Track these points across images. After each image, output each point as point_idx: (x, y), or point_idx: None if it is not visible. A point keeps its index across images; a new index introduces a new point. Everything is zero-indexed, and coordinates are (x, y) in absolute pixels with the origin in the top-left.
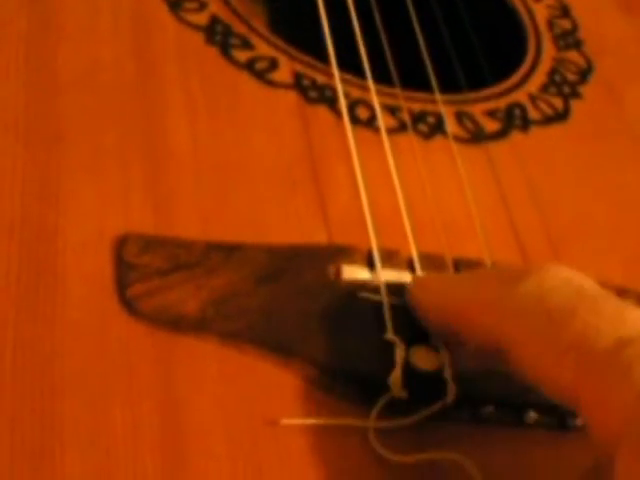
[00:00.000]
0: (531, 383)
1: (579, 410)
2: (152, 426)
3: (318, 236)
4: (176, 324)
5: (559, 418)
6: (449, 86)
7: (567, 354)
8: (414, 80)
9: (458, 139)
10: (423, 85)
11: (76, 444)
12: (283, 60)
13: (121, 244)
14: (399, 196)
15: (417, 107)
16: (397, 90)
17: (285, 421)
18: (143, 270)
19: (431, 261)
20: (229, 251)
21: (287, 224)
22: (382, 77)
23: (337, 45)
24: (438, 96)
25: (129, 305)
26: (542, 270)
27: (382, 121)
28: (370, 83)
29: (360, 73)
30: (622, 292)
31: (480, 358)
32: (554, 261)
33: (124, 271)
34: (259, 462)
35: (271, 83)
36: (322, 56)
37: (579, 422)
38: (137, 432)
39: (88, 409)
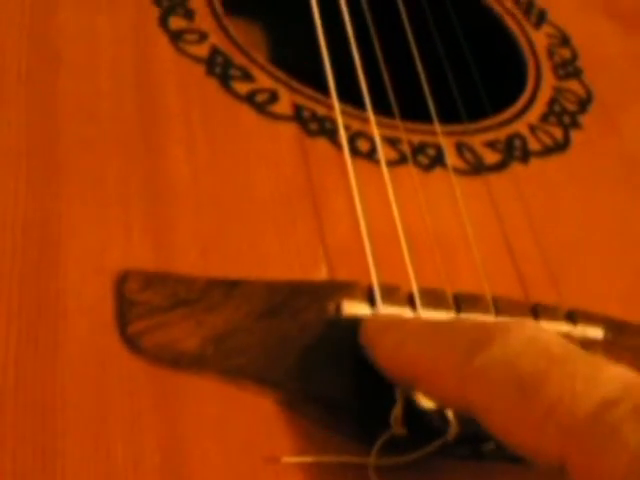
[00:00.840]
0: (509, 447)
1: (566, 475)
2: (153, 463)
3: (318, 270)
4: (177, 361)
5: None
6: (449, 117)
7: (547, 422)
8: (414, 111)
9: (458, 171)
10: (423, 116)
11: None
12: (283, 92)
13: (122, 281)
14: (399, 229)
15: (417, 139)
16: (397, 122)
17: (286, 459)
18: (144, 307)
19: (431, 296)
20: (229, 287)
21: (287, 258)
22: (382, 108)
23: (337, 76)
24: (438, 127)
25: (130, 342)
26: (505, 332)
27: (382, 153)
28: (370, 115)
29: (361, 104)
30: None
31: None
32: (517, 319)
33: (125, 308)
34: None
35: (271, 115)
36: (323, 87)
37: None
38: (138, 469)
39: (89, 446)
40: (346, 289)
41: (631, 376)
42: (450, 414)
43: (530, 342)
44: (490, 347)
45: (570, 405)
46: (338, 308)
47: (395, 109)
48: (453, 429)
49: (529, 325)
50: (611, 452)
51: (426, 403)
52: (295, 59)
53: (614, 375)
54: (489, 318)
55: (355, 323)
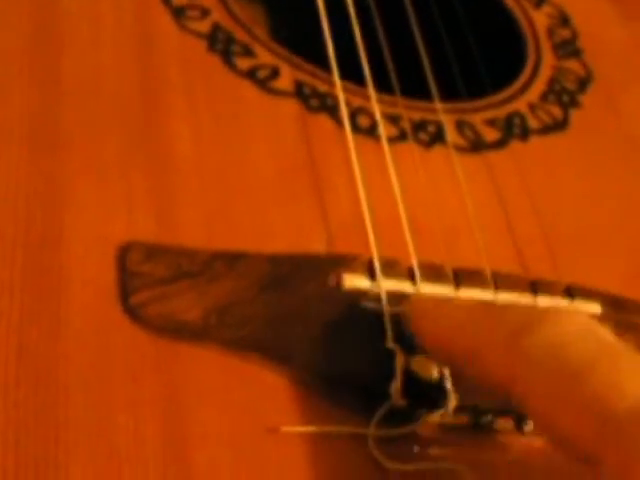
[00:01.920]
0: (546, 433)
1: (599, 467)
2: (155, 433)
3: (319, 244)
4: (179, 332)
5: None
6: (450, 94)
7: (587, 412)
8: (415, 88)
9: (458, 148)
10: (424, 93)
11: (80, 451)
12: (284, 68)
13: (124, 252)
14: (400, 205)
15: (418, 116)
16: (398, 98)
17: (285, 429)
18: (146, 278)
19: (431, 270)
20: (231, 260)
21: (289, 232)
22: (383, 85)
23: (338, 53)
24: (438, 105)
25: (132, 313)
26: (559, 316)
27: (383, 130)
28: (371, 91)
29: (361, 81)
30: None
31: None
32: (571, 307)
33: (127, 279)
34: (261, 469)
35: (272, 91)
36: (324, 63)
37: None
38: (140, 438)
39: (91, 415)
40: (347, 262)
41: None
42: (449, 385)
43: (581, 330)
44: (540, 329)
45: (614, 398)
46: (339, 281)
47: (396, 86)
48: (452, 400)
49: (582, 314)
50: None
51: (425, 374)
52: (297, 36)
53: None
54: (488, 293)
55: (355, 295)
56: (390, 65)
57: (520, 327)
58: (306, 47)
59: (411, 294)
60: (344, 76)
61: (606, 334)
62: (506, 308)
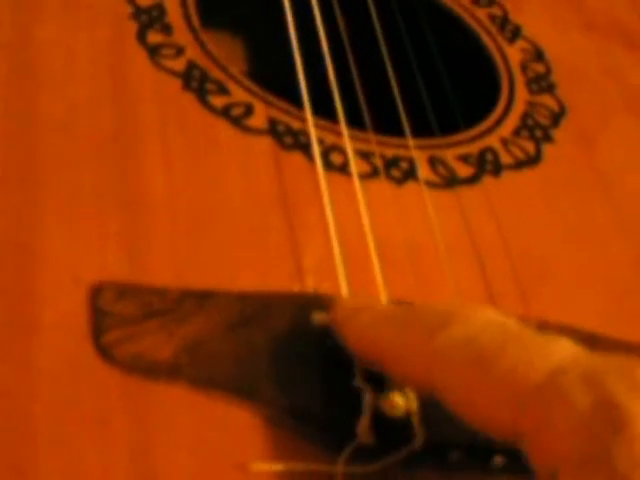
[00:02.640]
0: (470, 425)
1: (522, 445)
2: (124, 474)
3: (290, 282)
4: (150, 371)
5: (524, 462)
6: (423, 131)
7: (501, 391)
8: (390, 124)
9: (431, 184)
10: (398, 130)
11: None
12: (259, 106)
13: (96, 292)
14: (370, 242)
15: (391, 152)
16: (371, 135)
17: (254, 466)
18: (117, 317)
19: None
20: (202, 298)
21: (260, 270)
22: (358, 123)
23: (314, 90)
24: (411, 141)
25: (103, 352)
26: (466, 312)
27: (355, 167)
28: (343, 129)
29: (336, 118)
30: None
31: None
32: (478, 303)
33: (99, 319)
34: None
35: (246, 129)
36: (300, 101)
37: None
38: (109, 478)
39: (62, 456)
40: (317, 301)
41: (579, 349)
42: (416, 422)
43: (488, 322)
44: (450, 327)
45: (524, 374)
46: (308, 319)
47: (368, 123)
48: (419, 437)
49: (489, 309)
50: (561, 414)
51: (392, 412)
52: (274, 73)
53: (564, 347)
54: None
55: (325, 333)
56: (363, 102)
57: (432, 327)
58: (283, 84)
59: (335, 300)
60: (321, 113)
61: (513, 322)
62: (420, 310)
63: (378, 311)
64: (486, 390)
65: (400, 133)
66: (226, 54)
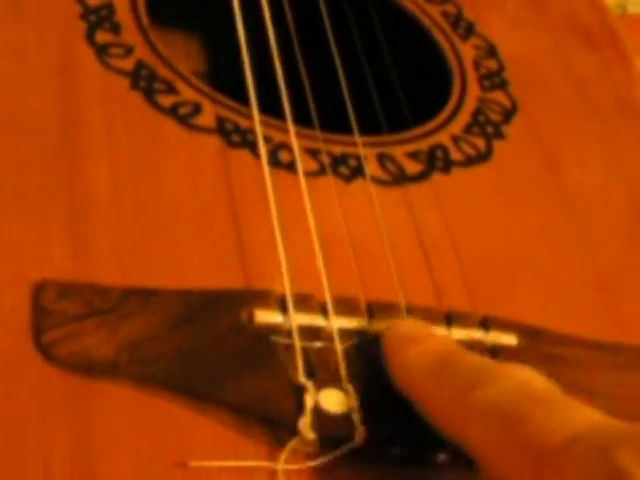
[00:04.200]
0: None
1: None
2: (64, 471)
3: (234, 280)
4: (91, 369)
5: (467, 457)
6: (375, 129)
7: (526, 455)
8: (339, 122)
9: (379, 181)
10: (348, 127)
11: None
12: (207, 104)
13: (38, 290)
14: (315, 240)
15: (339, 150)
16: (320, 133)
17: (194, 463)
18: (59, 316)
19: (344, 304)
20: (145, 296)
21: (204, 268)
22: (309, 121)
23: (265, 89)
24: (359, 138)
25: (45, 351)
26: (503, 372)
27: (302, 164)
28: (290, 126)
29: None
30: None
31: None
32: (516, 363)
33: (40, 317)
34: None
35: (194, 127)
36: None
37: None
38: (49, 477)
39: (2, 453)
40: (259, 298)
41: (602, 416)
42: (357, 419)
43: (521, 383)
44: (486, 385)
45: (545, 438)
46: (251, 316)
47: (316, 120)
48: (360, 434)
49: (526, 370)
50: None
51: (333, 409)
52: (228, 72)
53: (586, 414)
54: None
55: (267, 330)
56: (311, 100)
57: (470, 383)
58: (237, 83)
59: (389, 324)
60: (271, 112)
61: (541, 385)
62: (461, 361)
63: (425, 349)
64: (511, 450)
65: (351, 131)
66: (182, 53)
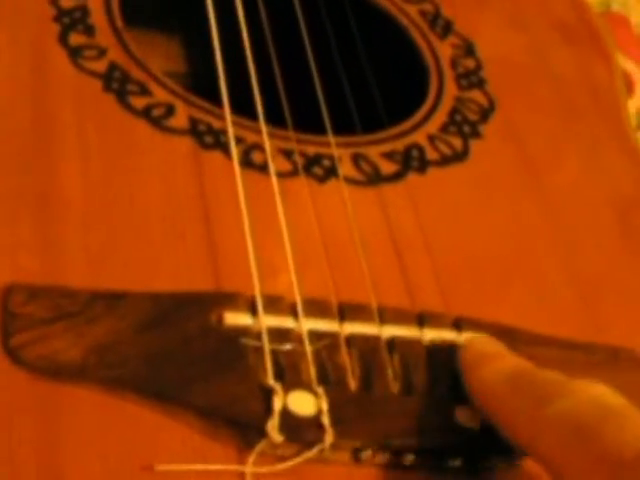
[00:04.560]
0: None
1: None
2: (31, 474)
3: (205, 282)
4: (58, 372)
5: (435, 460)
6: (350, 129)
7: (599, 468)
8: (313, 122)
9: (354, 182)
10: (322, 127)
11: None
12: (180, 106)
13: (6, 294)
14: (286, 241)
15: (313, 150)
16: (292, 133)
17: (160, 467)
18: (27, 319)
19: (315, 306)
20: (113, 300)
21: (175, 270)
22: (281, 120)
23: (238, 89)
24: (333, 139)
25: (12, 354)
26: (577, 387)
27: (275, 165)
28: (262, 126)
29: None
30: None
31: None
32: (589, 378)
33: (8, 321)
34: None
35: (167, 129)
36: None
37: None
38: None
39: None
40: (229, 300)
41: None
42: (326, 421)
43: (594, 397)
44: (560, 400)
45: (617, 452)
46: (220, 319)
47: (289, 121)
48: (329, 436)
49: (600, 385)
50: None
51: (301, 411)
52: (206, 72)
53: None
54: (374, 327)
55: (236, 333)
56: (284, 100)
57: (544, 397)
58: (214, 83)
59: (466, 340)
60: (245, 113)
61: (615, 400)
62: (536, 377)
63: (502, 365)
64: (585, 463)
65: (325, 131)
66: (162, 54)
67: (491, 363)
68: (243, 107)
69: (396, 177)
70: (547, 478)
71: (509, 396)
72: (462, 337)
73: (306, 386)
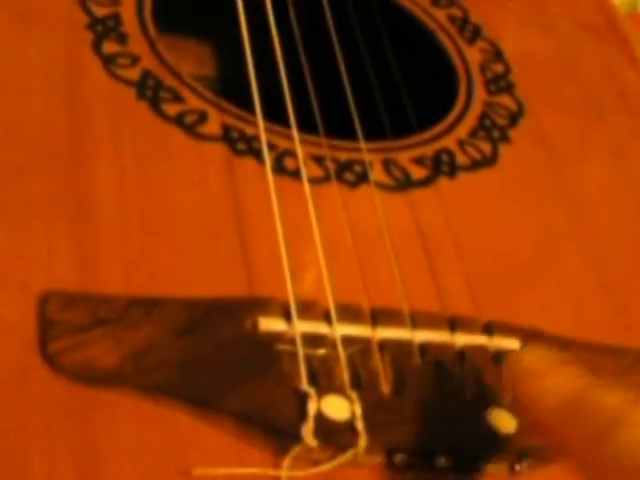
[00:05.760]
0: None
1: None
2: (70, 479)
3: (239, 288)
4: (95, 379)
5: (469, 463)
6: (381, 133)
7: None
8: (344, 128)
9: (384, 187)
10: (353, 133)
11: None
12: (212, 113)
13: (44, 301)
14: (319, 247)
15: (344, 156)
16: (325, 140)
17: (197, 471)
18: (64, 326)
19: (348, 311)
20: (149, 306)
21: (209, 277)
22: (312, 126)
23: (271, 96)
24: (364, 144)
25: (50, 361)
26: (634, 417)
27: (307, 171)
28: (295, 133)
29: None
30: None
31: None
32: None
33: (46, 328)
34: None
35: (200, 136)
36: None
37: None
38: None
39: (7, 462)
40: (263, 306)
41: None
42: (360, 426)
43: None
44: (619, 431)
45: None
46: (255, 325)
47: (321, 127)
48: (363, 440)
49: None
50: None
51: (336, 416)
52: (237, 77)
53: None
54: (406, 331)
55: (271, 338)
56: (316, 106)
57: (602, 428)
58: (245, 89)
59: (515, 353)
60: (276, 119)
61: None
62: (592, 403)
63: (558, 381)
64: None
65: (356, 137)
66: (194, 60)
67: (546, 378)
68: (274, 113)
69: (426, 182)
70: None
71: (567, 419)
72: (493, 341)
73: (340, 391)
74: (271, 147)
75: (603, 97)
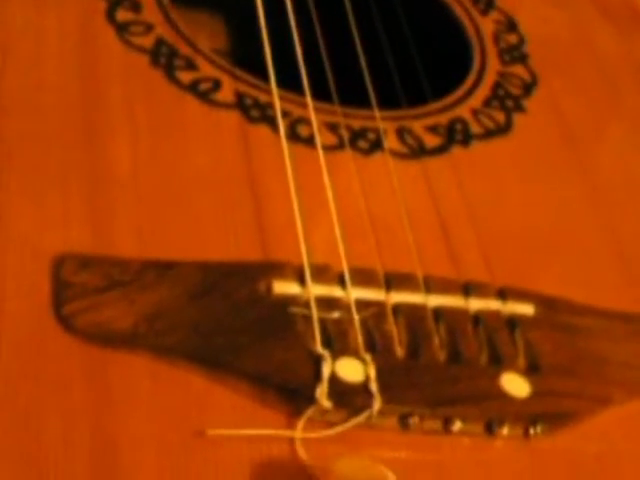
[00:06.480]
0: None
1: None
2: (84, 438)
3: (253, 252)
4: (109, 340)
5: (484, 426)
6: (394, 102)
7: None
8: (358, 96)
9: (398, 155)
10: (367, 101)
11: (8, 455)
12: (226, 80)
13: (59, 263)
14: (332, 211)
15: (358, 124)
16: (339, 108)
17: (211, 431)
18: (79, 288)
19: (362, 275)
20: (163, 269)
21: (224, 241)
22: (326, 94)
23: (285, 65)
24: (378, 112)
25: (65, 322)
26: None
27: (321, 139)
28: (309, 100)
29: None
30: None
31: None
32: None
33: (60, 289)
34: (187, 472)
35: (214, 103)
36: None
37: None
38: (68, 443)
39: (21, 423)
40: (277, 269)
41: None
42: (374, 388)
43: None
44: None
45: None
46: (269, 288)
47: (335, 95)
48: (377, 403)
49: None
50: None
51: (350, 378)
52: (250, 48)
53: None
54: (420, 296)
55: (285, 301)
56: (330, 74)
57: None
58: (259, 60)
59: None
60: (291, 87)
61: None
62: None
63: None
64: None
65: (370, 105)
66: (206, 32)
67: None
68: (288, 82)
69: (440, 150)
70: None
71: None
72: (507, 307)
73: (354, 353)
74: (285, 114)
75: (618, 72)
